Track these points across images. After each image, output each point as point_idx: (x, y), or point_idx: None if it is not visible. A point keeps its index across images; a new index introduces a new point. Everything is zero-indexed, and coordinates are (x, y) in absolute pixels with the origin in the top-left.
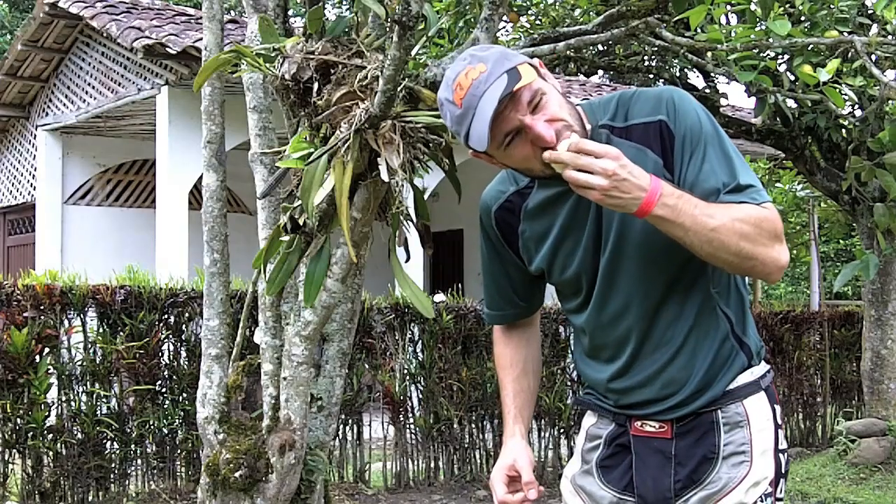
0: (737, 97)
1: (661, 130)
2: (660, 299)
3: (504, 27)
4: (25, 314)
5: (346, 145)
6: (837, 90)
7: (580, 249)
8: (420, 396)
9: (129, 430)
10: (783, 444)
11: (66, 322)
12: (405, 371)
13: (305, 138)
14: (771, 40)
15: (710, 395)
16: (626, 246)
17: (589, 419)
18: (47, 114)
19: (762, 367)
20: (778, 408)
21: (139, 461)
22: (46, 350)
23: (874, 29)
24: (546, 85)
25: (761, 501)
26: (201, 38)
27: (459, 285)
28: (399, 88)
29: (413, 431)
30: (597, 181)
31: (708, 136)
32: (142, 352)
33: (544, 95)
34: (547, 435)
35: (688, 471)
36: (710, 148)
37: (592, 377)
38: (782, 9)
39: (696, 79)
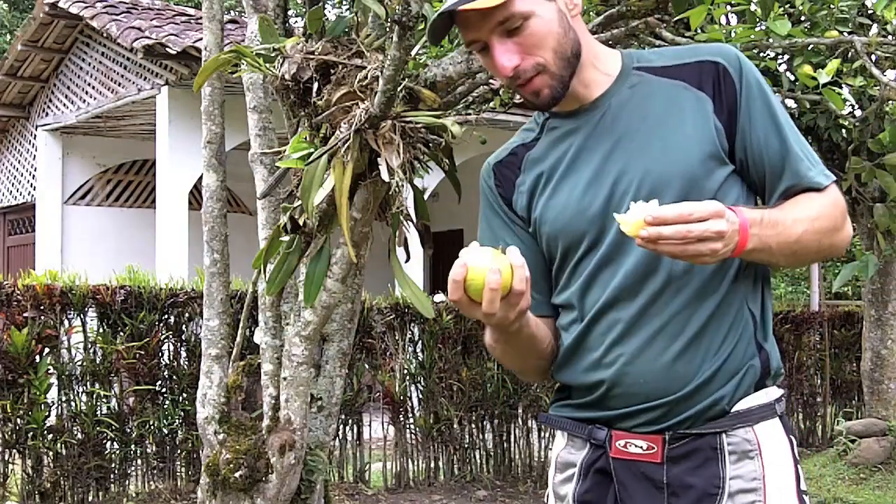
0: None
1: (719, 73)
2: (679, 275)
3: None
4: (25, 314)
5: (346, 145)
6: (837, 92)
7: (588, 191)
8: (420, 396)
9: (129, 430)
10: (804, 485)
11: (66, 322)
12: (405, 371)
13: (305, 138)
14: (771, 40)
15: (713, 400)
16: (652, 195)
17: (558, 443)
18: (47, 114)
19: (777, 391)
20: (794, 440)
21: (139, 461)
22: (46, 350)
23: (874, 29)
24: (544, 8)
25: None
26: (201, 38)
27: None
28: (399, 88)
29: (413, 431)
30: (712, 246)
31: (771, 99)
32: (142, 352)
33: (527, 21)
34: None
35: None
36: (776, 113)
37: (573, 375)
38: (782, 9)
39: None
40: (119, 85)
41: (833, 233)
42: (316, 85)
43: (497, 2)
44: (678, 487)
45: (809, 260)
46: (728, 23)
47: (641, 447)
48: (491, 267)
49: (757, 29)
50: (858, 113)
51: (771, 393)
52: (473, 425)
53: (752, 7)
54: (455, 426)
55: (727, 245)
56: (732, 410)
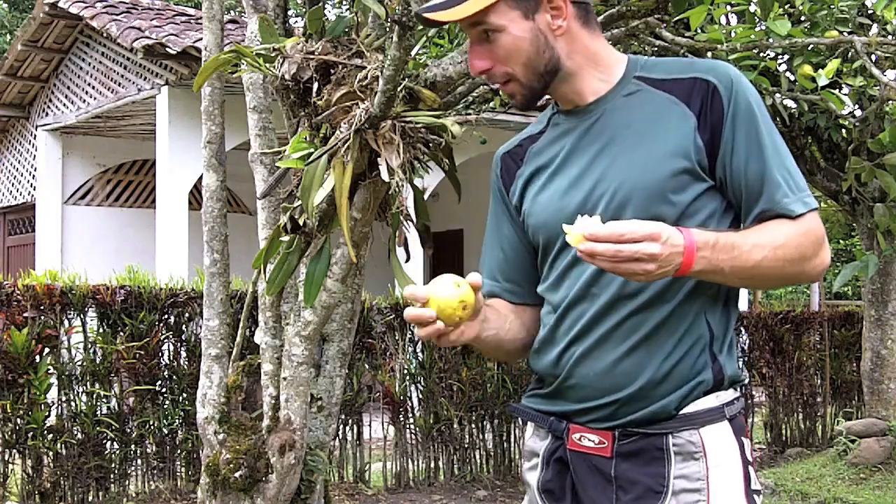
0: None
1: (709, 92)
2: (635, 282)
3: None
4: (25, 314)
5: (346, 145)
6: (836, 93)
7: (569, 191)
8: (420, 396)
9: (129, 430)
10: (756, 485)
11: (66, 322)
12: (405, 371)
13: (305, 138)
14: (771, 40)
15: (660, 405)
16: (621, 204)
17: (528, 432)
18: (47, 114)
19: (730, 394)
20: (746, 441)
21: (139, 461)
22: (46, 350)
23: (874, 29)
24: (518, 26)
25: None
26: (201, 38)
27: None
28: (399, 88)
29: (413, 431)
30: (644, 267)
31: (759, 122)
32: (142, 352)
33: (498, 34)
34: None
35: (631, 498)
36: (761, 137)
37: (541, 365)
38: (782, 9)
39: None
40: (119, 85)
41: (800, 262)
42: (316, 85)
43: (455, 17)
44: (625, 482)
45: (774, 285)
46: (728, 23)
47: (594, 441)
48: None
49: (757, 29)
50: (858, 113)
51: (722, 396)
52: (473, 425)
53: (752, 7)
54: (455, 426)
55: (664, 267)
56: (679, 414)
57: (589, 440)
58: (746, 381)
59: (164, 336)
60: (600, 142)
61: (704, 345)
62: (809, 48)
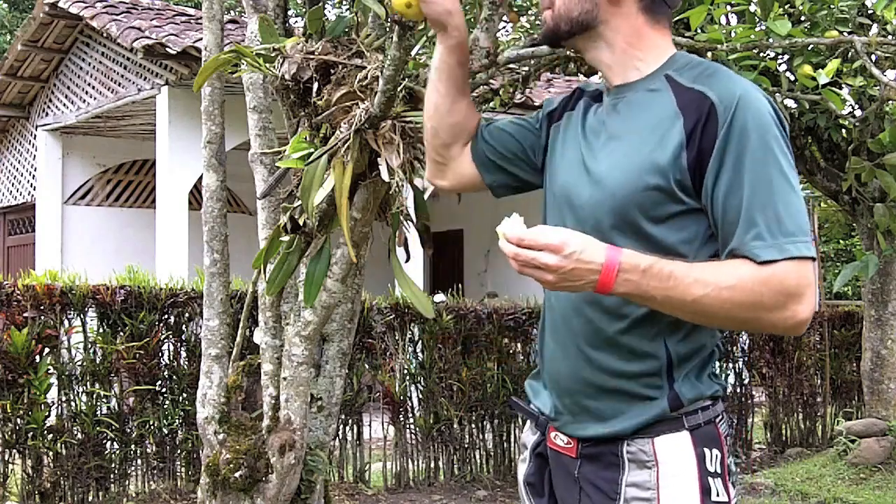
0: None
1: (707, 112)
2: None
3: (504, 27)
4: (25, 314)
5: (346, 145)
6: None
7: (571, 170)
8: (420, 396)
9: (129, 430)
10: (721, 496)
11: (66, 322)
12: (405, 371)
13: (305, 138)
14: (771, 40)
15: (614, 430)
16: (599, 202)
17: (526, 424)
18: (47, 114)
19: (694, 405)
20: (716, 452)
21: (139, 461)
22: (46, 350)
23: (874, 29)
24: None
25: None
26: (201, 38)
27: (459, 285)
28: (399, 88)
29: (413, 431)
30: (543, 276)
31: (755, 152)
32: (142, 352)
33: None
34: None
35: (591, 503)
36: (751, 168)
37: (539, 353)
38: (782, 9)
39: None
40: (119, 85)
41: (755, 309)
42: (316, 85)
43: None
44: (586, 484)
45: (729, 326)
46: (728, 23)
47: (563, 440)
48: None
49: (757, 29)
50: (858, 113)
51: (681, 410)
52: (473, 425)
53: (752, 7)
54: (455, 426)
55: (569, 280)
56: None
57: (560, 439)
58: (723, 392)
59: (164, 336)
60: (608, 132)
61: (661, 371)
62: (809, 48)
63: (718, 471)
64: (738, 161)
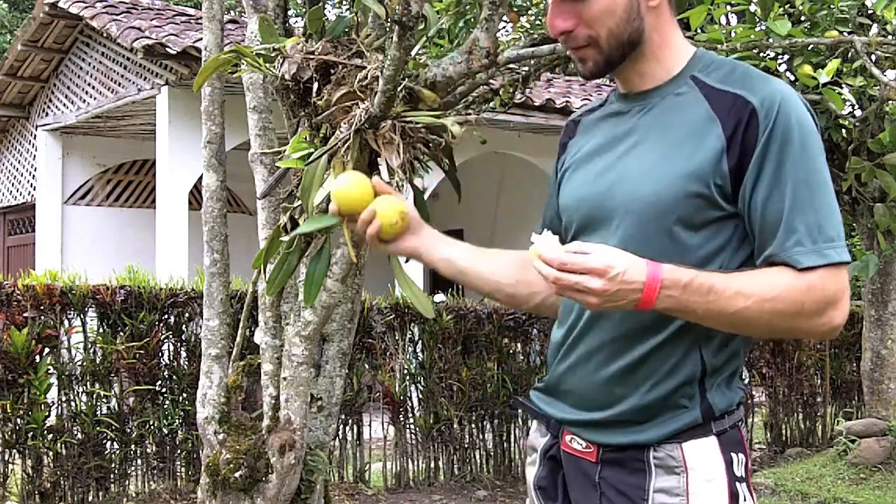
0: None
1: (748, 115)
2: None
3: (504, 27)
4: (25, 314)
5: (346, 145)
6: (837, 92)
7: (597, 180)
8: (420, 396)
9: (129, 430)
10: (746, 501)
11: (66, 322)
12: (405, 371)
13: (305, 138)
14: (771, 40)
15: (642, 438)
16: (629, 211)
17: (532, 427)
18: (47, 114)
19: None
20: (741, 457)
21: (139, 461)
22: (46, 350)
23: (874, 29)
24: None
25: None
26: (201, 38)
27: (459, 285)
28: (399, 88)
29: (413, 431)
30: (586, 299)
31: (795, 156)
32: (142, 352)
33: None
34: None
35: None
36: (793, 173)
37: (552, 359)
38: (782, 9)
39: None
40: (119, 85)
41: (796, 318)
42: (316, 85)
43: None
44: (608, 490)
45: (768, 335)
46: (728, 23)
47: (582, 445)
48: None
49: (757, 29)
50: (858, 113)
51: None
52: (473, 425)
53: (752, 7)
54: (455, 426)
55: (612, 301)
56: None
57: (578, 443)
58: (745, 395)
59: (164, 336)
60: (634, 137)
61: (694, 380)
62: (809, 48)
63: (744, 475)
64: (779, 166)
